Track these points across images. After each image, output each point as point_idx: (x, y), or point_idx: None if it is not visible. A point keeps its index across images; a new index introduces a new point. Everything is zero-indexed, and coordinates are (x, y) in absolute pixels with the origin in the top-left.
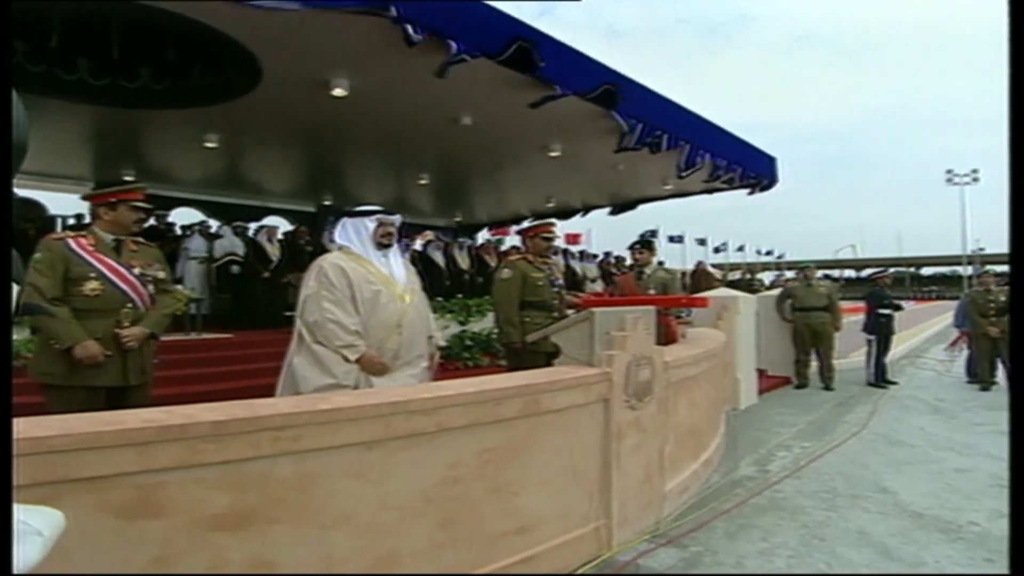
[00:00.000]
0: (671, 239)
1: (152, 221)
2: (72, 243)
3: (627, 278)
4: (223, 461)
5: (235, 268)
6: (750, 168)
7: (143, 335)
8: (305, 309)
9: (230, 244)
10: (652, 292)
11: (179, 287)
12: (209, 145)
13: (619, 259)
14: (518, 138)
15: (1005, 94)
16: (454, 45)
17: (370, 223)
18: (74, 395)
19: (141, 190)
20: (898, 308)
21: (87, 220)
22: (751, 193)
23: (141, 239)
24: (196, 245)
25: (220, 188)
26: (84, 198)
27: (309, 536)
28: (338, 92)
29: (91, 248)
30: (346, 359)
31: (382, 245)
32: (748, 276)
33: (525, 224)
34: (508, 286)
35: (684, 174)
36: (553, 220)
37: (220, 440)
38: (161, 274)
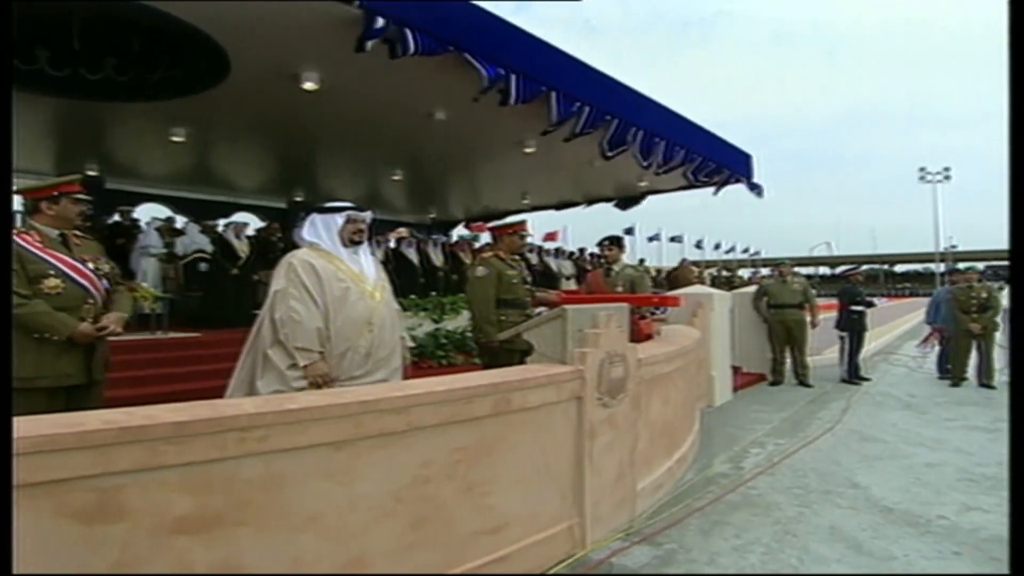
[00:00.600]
0: (650, 239)
1: (117, 217)
2: (19, 240)
3: (595, 275)
4: (186, 463)
5: (203, 265)
6: (725, 165)
7: (122, 320)
8: (274, 306)
9: (192, 241)
10: (620, 289)
11: (144, 284)
12: (176, 139)
13: (594, 256)
14: (493, 134)
15: (978, 92)
16: (411, 40)
17: (339, 219)
18: (37, 397)
19: (79, 181)
20: (870, 305)
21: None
22: (755, 192)
23: (80, 232)
24: (152, 241)
25: (188, 184)
26: (21, 192)
27: (276, 539)
28: (308, 85)
29: (39, 244)
30: (295, 364)
31: (353, 242)
32: (728, 272)
33: (498, 222)
34: (484, 284)
35: (660, 171)
36: (526, 218)
37: (183, 441)
38: (107, 267)
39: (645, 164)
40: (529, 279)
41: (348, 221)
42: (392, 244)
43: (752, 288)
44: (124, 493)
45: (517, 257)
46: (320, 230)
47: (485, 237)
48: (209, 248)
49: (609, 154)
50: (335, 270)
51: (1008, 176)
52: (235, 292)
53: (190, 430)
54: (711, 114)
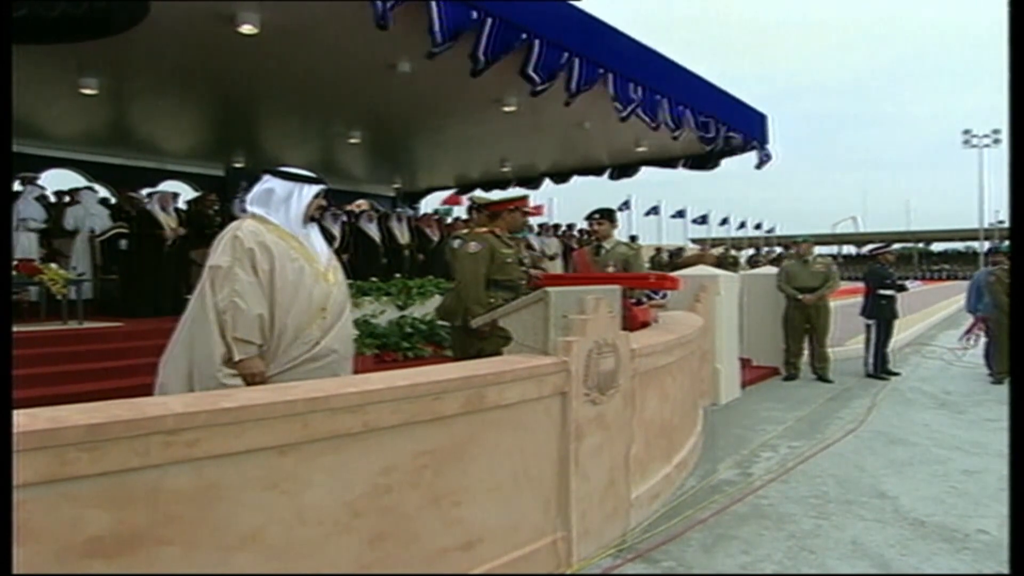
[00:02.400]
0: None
1: (17, 186)
2: None
3: (582, 253)
4: (101, 473)
5: (123, 243)
6: (737, 127)
7: None
8: (214, 286)
9: (87, 212)
10: (611, 270)
11: (53, 265)
12: (87, 91)
13: (583, 232)
14: (467, 90)
15: None
16: None
17: (309, 193)
18: None
19: None
20: (901, 288)
21: None
22: (759, 166)
23: None
24: (30, 211)
25: (104, 146)
26: None
27: (209, 560)
28: (247, 29)
29: None
30: (231, 358)
31: (312, 219)
32: (737, 252)
33: (498, 196)
34: (476, 261)
35: (676, 134)
36: (528, 193)
37: (97, 447)
38: None
39: (653, 125)
40: (527, 260)
41: (316, 197)
42: (345, 218)
43: (763, 270)
44: (25, 510)
45: (516, 236)
46: (278, 200)
47: (459, 211)
48: (107, 222)
49: (623, 115)
50: (287, 248)
51: (1008, 175)
52: (163, 275)
53: (106, 434)
54: (721, 68)
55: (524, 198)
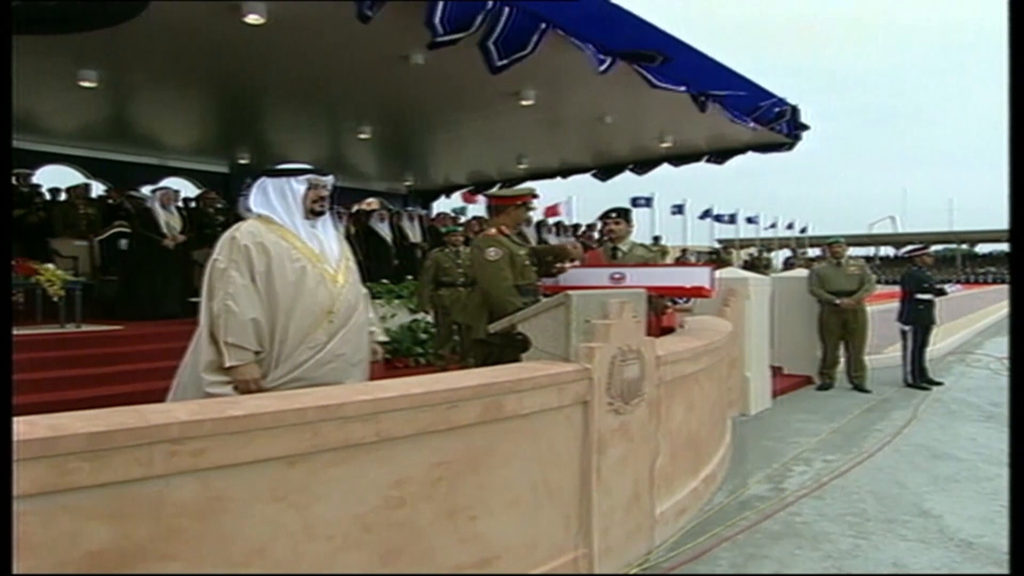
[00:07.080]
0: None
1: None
2: None
3: (596, 255)
4: (102, 483)
5: (123, 243)
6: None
7: None
8: (212, 291)
9: None
10: None
11: (50, 265)
12: (85, 84)
13: (599, 232)
14: (483, 82)
15: None
16: None
17: (298, 185)
18: None
19: None
20: (940, 292)
21: None
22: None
23: None
24: None
25: (103, 141)
26: None
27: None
28: (253, 19)
29: None
30: (223, 364)
31: (313, 213)
32: (769, 255)
33: (503, 191)
34: (500, 267)
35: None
36: (533, 187)
37: (99, 457)
38: None
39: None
40: (534, 260)
41: (309, 187)
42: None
43: (794, 273)
44: (22, 523)
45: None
46: (272, 198)
47: (473, 210)
48: None
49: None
50: (289, 248)
51: (1008, 177)
52: (165, 276)
53: (108, 443)
54: (752, 61)
55: (527, 193)
